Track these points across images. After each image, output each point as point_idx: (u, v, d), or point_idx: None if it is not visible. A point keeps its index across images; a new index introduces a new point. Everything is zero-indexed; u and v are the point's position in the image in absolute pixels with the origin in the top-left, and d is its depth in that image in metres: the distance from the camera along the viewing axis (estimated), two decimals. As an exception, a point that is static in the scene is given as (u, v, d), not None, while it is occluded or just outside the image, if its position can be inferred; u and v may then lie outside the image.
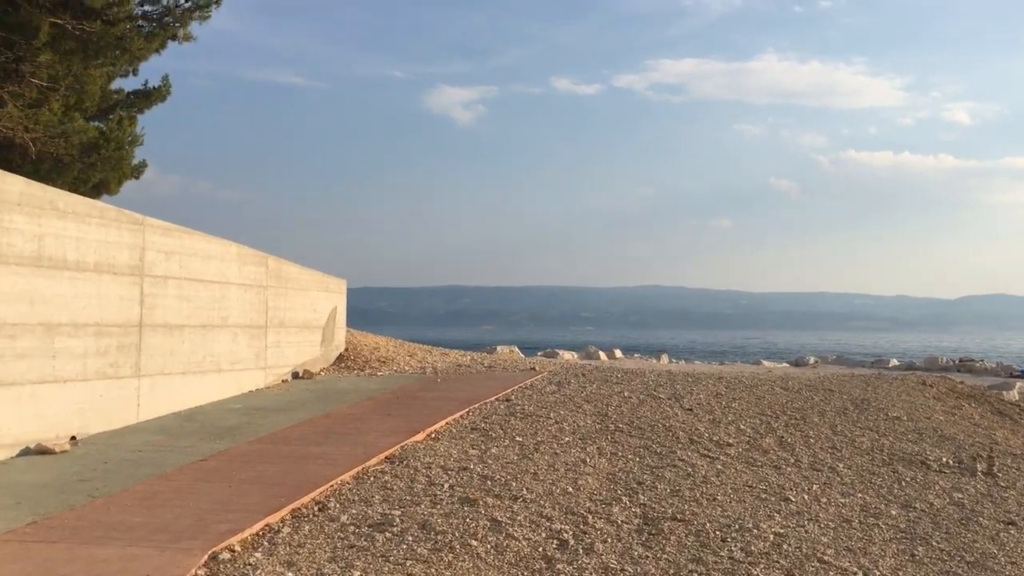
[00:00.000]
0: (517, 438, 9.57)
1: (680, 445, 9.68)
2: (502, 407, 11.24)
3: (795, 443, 10.30)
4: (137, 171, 21.57)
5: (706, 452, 9.44)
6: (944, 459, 10.24)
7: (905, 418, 12.84)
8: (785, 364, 29.83)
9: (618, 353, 27.30)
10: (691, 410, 11.76)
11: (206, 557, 5.72)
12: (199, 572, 5.48)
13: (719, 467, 8.81)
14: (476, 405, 11.24)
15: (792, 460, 9.41)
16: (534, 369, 15.54)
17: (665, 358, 28.15)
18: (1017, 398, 19.49)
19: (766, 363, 29.10)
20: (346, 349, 15.80)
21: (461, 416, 10.61)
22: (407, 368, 15.45)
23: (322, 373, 14.53)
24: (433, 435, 9.60)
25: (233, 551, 5.86)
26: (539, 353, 27.23)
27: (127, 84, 19.94)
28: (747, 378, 15.84)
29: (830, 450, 10.14)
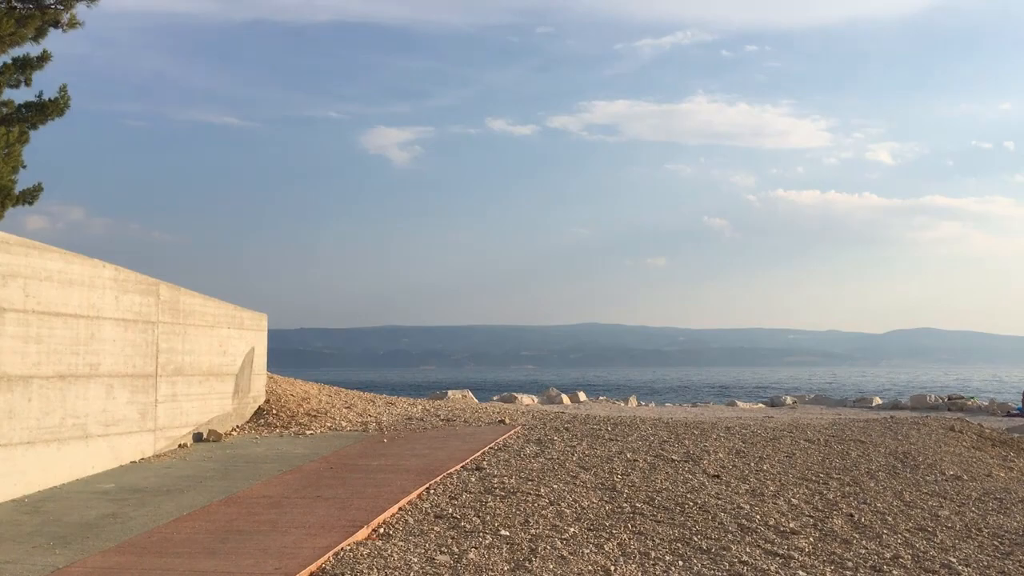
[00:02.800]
0: (502, 531, 6.72)
1: (730, 535, 6.92)
2: (473, 480, 8.37)
3: (872, 524, 7.63)
4: (30, 196, 18.31)
5: (770, 546, 6.69)
6: (1064, 540, 7.68)
7: (966, 477, 10.38)
8: (761, 404, 27.46)
9: (582, 396, 24.63)
10: (718, 476, 9.05)
11: None
12: None
13: (803, 574, 6.07)
14: (438, 478, 8.35)
15: (889, 555, 6.72)
16: (503, 423, 12.64)
17: (634, 401, 25.54)
18: (1043, 443, 17.34)
19: (741, 404, 26.72)
20: (267, 401, 12.67)
21: (419, 496, 7.71)
22: (344, 424, 12.41)
23: (235, 433, 11.42)
24: (382, 530, 6.70)
25: None
26: (495, 397, 24.39)
27: (18, 96, 16.98)
28: (759, 428, 13.23)
29: (920, 533, 7.50)
